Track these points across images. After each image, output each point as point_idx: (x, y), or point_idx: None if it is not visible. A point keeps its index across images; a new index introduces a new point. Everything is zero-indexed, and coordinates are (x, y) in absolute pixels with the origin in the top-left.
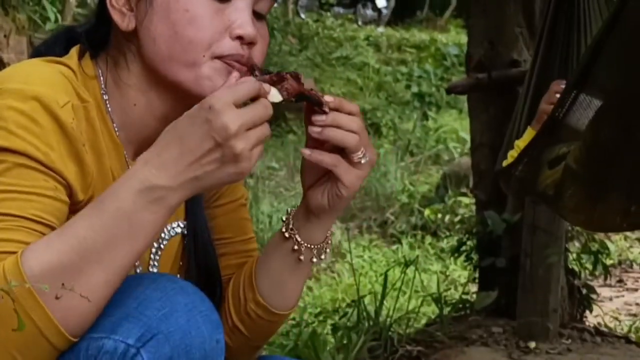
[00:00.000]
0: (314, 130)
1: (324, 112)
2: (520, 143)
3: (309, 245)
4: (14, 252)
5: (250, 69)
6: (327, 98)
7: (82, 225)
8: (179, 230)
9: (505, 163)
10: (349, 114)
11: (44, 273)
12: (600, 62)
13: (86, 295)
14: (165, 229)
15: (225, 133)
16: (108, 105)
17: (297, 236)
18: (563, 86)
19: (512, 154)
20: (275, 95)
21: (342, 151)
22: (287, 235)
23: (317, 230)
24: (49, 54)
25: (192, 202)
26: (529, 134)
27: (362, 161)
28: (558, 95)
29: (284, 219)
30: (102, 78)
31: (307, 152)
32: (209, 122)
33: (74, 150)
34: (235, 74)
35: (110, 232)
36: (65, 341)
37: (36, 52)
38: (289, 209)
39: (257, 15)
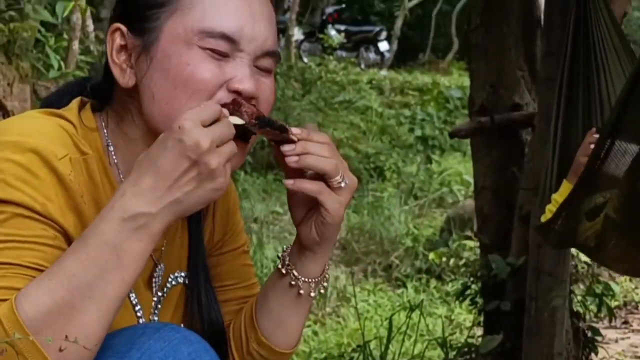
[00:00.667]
0: (291, 160)
1: (292, 141)
2: (558, 197)
3: (306, 280)
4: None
5: (256, 118)
6: (294, 130)
7: (70, 262)
8: (180, 280)
9: (544, 218)
10: (319, 143)
11: (38, 315)
12: (633, 109)
13: (82, 333)
14: (167, 279)
15: (199, 150)
16: (114, 157)
17: (294, 271)
18: (596, 136)
19: (550, 209)
20: (235, 119)
21: (321, 178)
22: (284, 271)
23: (313, 264)
24: (58, 105)
25: (193, 252)
26: (565, 188)
27: (342, 185)
28: (592, 146)
29: (280, 256)
30: (105, 131)
31: (289, 182)
32: (181, 142)
33: (73, 202)
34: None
35: (98, 264)
36: None
37: (46, 102)
38: (285, 247)
39: (262, 71)
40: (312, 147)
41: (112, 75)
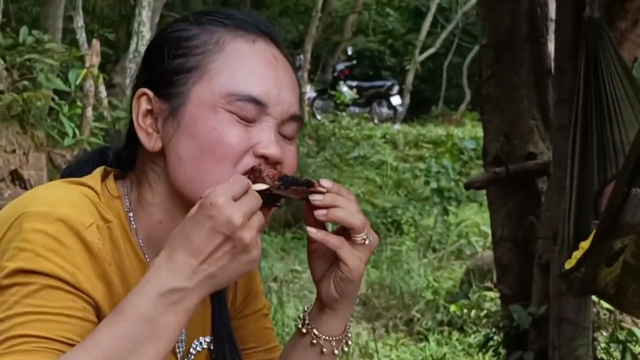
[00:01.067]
0: (320, 213)
1: (320, 192)
2: (584, 245)
3: (327, 338)
4: None
5: (279, 179)
6: (324, 183)
7: (105, 335)
8: (205, 345)
9: (568, 265)
10: (347, 198)
11: None
12: None
13: None
14: (192, 344)
15: (232, 226)
16: (133, 224)
17: (314, 330)
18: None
19: (576, 255)
20: (259, 185)
21: (344, 234)
22: (304, 330)
23: (334, 322)
24: (80, 174)
25: (217, 317)
26: (593, 235)
27: (366, 242)
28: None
29: (300, 316)
30: (126, 198)
31: (313, 230)
32: (213, 218)
33: (101, 270)
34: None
35: (134, 338)
36: None
37: (66, 171)
38: (306, 306)
39: (286, 138)
40: (340, 201)
41: (133, 141)
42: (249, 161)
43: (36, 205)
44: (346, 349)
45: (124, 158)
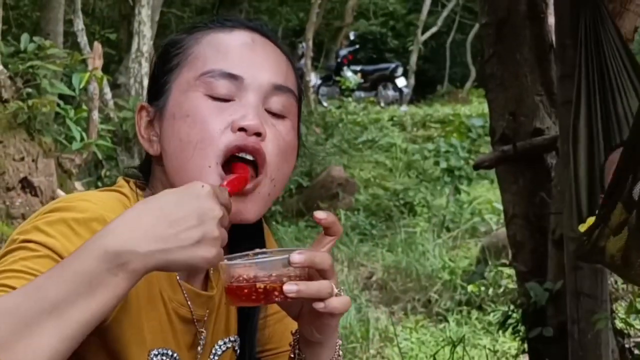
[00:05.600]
0: (291, 289)
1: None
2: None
3: None
4: None
5: (260, 159)
6: (295, 257)
7: (44, 278)
8: (229, 345)
9: (583, 228)
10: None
11: None
12: None
13: (31, 346)
14: (216, 345)
15: (212, 214)
16: None
17: None
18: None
19: (591, 220)
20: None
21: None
22: None
23: (324, 352)
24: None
25: (244, 316)
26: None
27: (342, 293)
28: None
29: (290, 344)
30: None
31: (320, 305)
32: (200, 200)
33: None
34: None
35: (70, 289)
36: None
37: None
38: (293, 331)
39: (275, 115)
40: (315, 286)
41: (147, 152)
42: (229, 137)
43: (64, 202)
44: None
45: (144, 169)
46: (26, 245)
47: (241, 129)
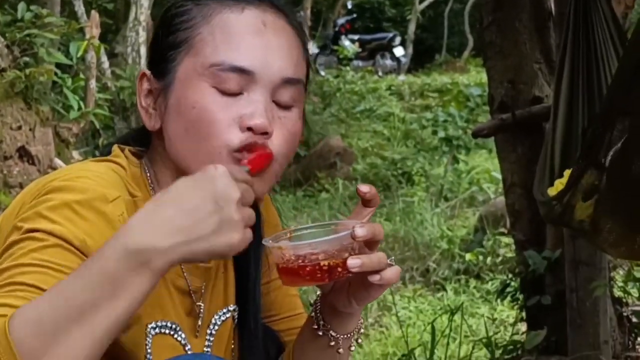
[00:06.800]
0: (375, 279)
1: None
2: (568, 173)
3: (345, 336)
4: None
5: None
6: (358, 231)
7: (66, 284)
8: (228, 315)
9: (553, 191)
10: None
11: (23, 329)
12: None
13: (62, 354)
14: (215, 315)
15: (228, 197)
16: None
17: (331, 332)
18: None
19: (562, 181)
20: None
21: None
22: (320, 333)
23: (351, 321)
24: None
25: (242, 285)
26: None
27: (393, 262)
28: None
29: (312, 315)
30: (147, 174)
31: (376, 278)
32: (214, 184)
33: None
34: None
35: (94, 291)
36: None
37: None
38: (314, 302)
39: (282, 107)
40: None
41: None
42: (237, 136)
43: (61, 180)
44: (360, 340)
45: (141, 138)
46: (33, 236)
47: (249, 128)
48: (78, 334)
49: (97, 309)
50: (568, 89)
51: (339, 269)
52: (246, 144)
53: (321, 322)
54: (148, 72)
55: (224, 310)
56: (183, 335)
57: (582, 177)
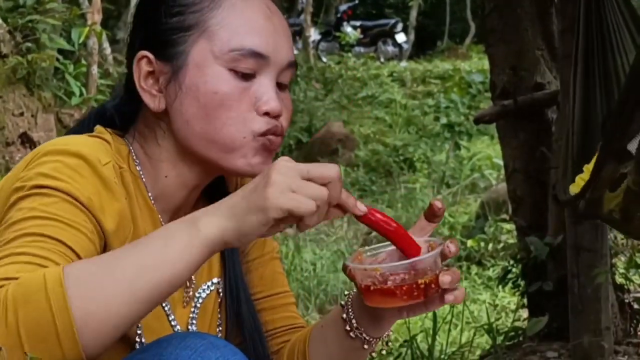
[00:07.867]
0: (450, 298)
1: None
2: (589, 167)
3: (379, 338)
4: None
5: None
6: (452, 247)
7: (119, 254)
8: (212, 287)
9: (575, 188)
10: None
11: (76, 276)
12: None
13: (112, 307)
14: (200, 289)
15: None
16: (142, 175)
17: (364, 335)
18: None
19: (583, 177)
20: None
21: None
22: (353, 335)
23: (389, 326)
24: (83, 133)
25: (226, 257)
26: (596, 159)
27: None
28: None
29: (344, 317)
30: (132, 150)
31: (447, 279)
32: (267, 182)
33: (118, 206)
34: None
35: (146, 254)
36: (74, 348)
37: (71, 132)
38: (343, 303)
39: (280, 86)
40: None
41: (134, 98)
42: (258, 123)
43: (56, 145)
44: (390, 343)
45: (125, 114)
46: (40, 191)
47: (265, 113)
48: (127, 290)
49: (148, 269)
50: (583, 78)
51: (433, 286)
52: (267, 128)
53: (354, 325)
54: (150, 55)
55: (209, 284)
56: (169, 306)
57: (604, 168)
